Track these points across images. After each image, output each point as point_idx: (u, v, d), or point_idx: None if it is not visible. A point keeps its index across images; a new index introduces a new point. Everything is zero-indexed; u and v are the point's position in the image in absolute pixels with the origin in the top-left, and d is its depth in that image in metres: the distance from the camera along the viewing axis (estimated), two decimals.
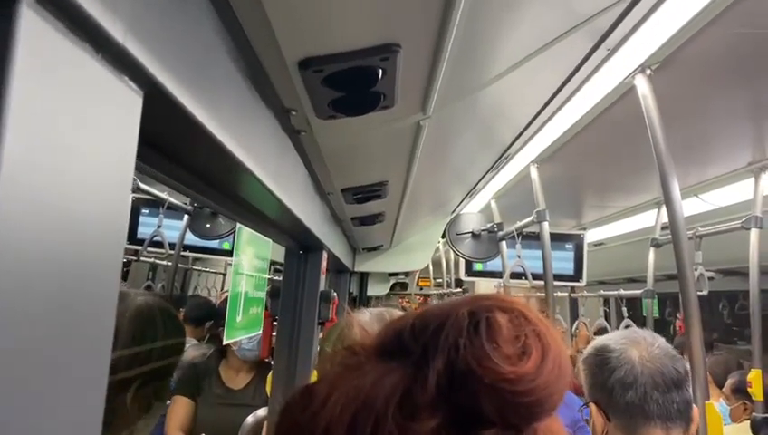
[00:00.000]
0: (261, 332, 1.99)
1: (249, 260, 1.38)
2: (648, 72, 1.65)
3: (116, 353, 1.03)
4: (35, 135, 0.36)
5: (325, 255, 1.99)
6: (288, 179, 1.17)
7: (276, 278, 3.59)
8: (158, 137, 0.65)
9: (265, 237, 1.57)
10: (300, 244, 1.86)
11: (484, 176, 2.55)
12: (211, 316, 3.42)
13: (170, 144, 0.69)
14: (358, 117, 0.96)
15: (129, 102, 0.48)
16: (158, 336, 1.10)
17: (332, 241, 2.20)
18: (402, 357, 0.39)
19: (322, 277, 1.98)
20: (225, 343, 1.47)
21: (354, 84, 0.81)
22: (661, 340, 1.26)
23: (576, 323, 4.14)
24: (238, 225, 1.35)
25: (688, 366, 1.28)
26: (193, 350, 2.80)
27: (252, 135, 0.84)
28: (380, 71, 0.77)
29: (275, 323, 2.02)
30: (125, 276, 4.30)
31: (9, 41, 0.33)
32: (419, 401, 0.36)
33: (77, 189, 0.41)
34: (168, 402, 2.31)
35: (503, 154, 2.17)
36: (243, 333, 1.38)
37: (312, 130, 1.05)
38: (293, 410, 0.42)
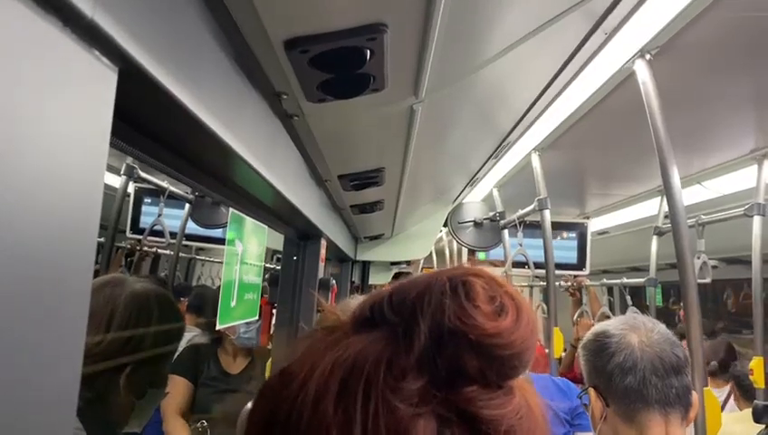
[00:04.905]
0: (259, 319, 1.99)
1: (244, 245, 1.38)
2: (648, 57, 1.62)
3: (107, 338, 1.03)
4: None
5: (324, 242, 1.99)
6: (282, 165, 1.16)
7: (278, 268, 3.60)
8: (141, 117, 0.65)
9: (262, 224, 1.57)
10: (298, 231, 1.86)
11: (484, 164, 2.54)
12: (213, 305, 3.42)
13: (155, 126, 0.68)
14: (349, 100, 0.95)
15: (103, 79, 0.47)
16: (152, 322, 1.10)
17: (332, 229, 2.19)
18: (383, 327, 0.41)
19: (321, 265, 1.98)
20: (217, 327, 1.47)
21: (342, 66, 0.80)
22: (661, 326, 1.25)
23: (579, 311, 4.14)
24: (231, 209, 1.34)
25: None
26: (196, 338, 2.82)
27: (241, 118, 0.83)
28: (368, 51, 0.76)
29: (275, 310, 2.03)
30: (128, 266, 4.30)
31: None
32: (406, 363, 0.38)
33: (46, 168, 0.40)
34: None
35: (503, 141, 2.15)
36: (238, 318, 1.38)
37: (305, 115, 1.05)
38: (273, 390, 0.42)
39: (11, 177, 0.36)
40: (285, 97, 0.95)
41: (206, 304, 3.35)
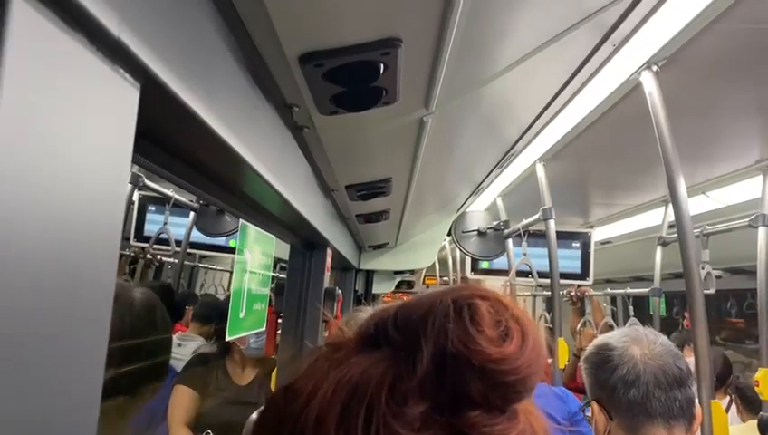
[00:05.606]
0: (265, 329, 1.99)
1: (253, 256, 1.38)
2: (655, 68, 1.63)
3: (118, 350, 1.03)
4: (28, 125, 0.36)
5: (330, 252, 1.99)
6: (291, 176, 1.17)
7: (282, 276, 3.60)
8: (158, 131, 0.65)
9: (269, 234, 1.57)
10: (304, 241, 1.86)
11: (489, 173, 2.55)
12: (219, 314, 3.42)
13: (170, 139, 0.69)
14: (360, 113, 0.96)
15: (126, 95, 0.48)
16: (153, 328, 1.10)
17: (337, 238, 2.20)
18: (387, 347, 0.40)
19: (327, 275, 1.98)
20: (227, 339, 1.47)
21: (355, 79, 0.80)
22: (663, 338, 1.25)
23: (582, 320, 4.13)
24: (241, 220, 1.35)
25: (691, 363, 1.26)
26: (203, 347, 2.81)
27: (253, 130, 0.84)
28: (381, 65, 0.77)
29: (280, 320, 2.03)
30: (132, 274, 4.31)
31: (0, 31, 0.33)
32: (408, 387, 0.38)
33: (72, 182, 0.41)
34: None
35: (508, 151, 2.16)
36: (247, 329, 1.38)
37: (315, 127, 1.05)
38: (278, 407, 0.42)
39: (38, 190, 0.37)
40: (297, 109, 0.96)
41: (211, 313, 3.34)
